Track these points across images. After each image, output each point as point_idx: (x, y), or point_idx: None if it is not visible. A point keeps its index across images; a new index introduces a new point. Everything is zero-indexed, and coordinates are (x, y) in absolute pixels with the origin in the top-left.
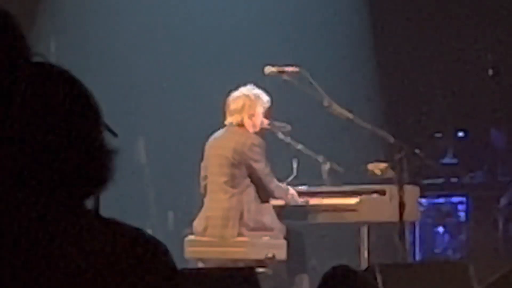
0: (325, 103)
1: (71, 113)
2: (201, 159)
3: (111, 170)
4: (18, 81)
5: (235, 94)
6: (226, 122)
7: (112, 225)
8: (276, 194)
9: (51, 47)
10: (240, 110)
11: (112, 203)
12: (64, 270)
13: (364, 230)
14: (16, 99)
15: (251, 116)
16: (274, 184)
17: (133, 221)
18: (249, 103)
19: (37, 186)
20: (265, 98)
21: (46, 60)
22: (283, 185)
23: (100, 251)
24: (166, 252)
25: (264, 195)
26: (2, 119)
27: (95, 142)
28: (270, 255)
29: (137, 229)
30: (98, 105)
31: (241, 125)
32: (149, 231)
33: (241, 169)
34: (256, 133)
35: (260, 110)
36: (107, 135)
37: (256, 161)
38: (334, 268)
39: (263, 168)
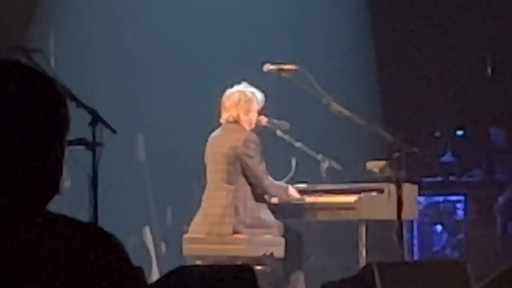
0: (324, 101)
1: (35, 120)
2: (202, 157)
3: (59, 181)
4: None
5: (230, 91)
6: (222, 119)
7: (64, 222)
8: (271, 191)
9: (50, 43)
10: (236, 105)
11: (111, 200)
12: (20, 267)
13: (362, 228)
14: None
15: (247, 112)
16: (268, 181)
17: (131, 218)
18: (245, 98)
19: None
20: (259, 95)
21: (23, 61)
22: (282, 183)
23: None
24: (120, 245)
25: (258, 192)
26: None
27: (52, 154)
28: (268, 253)
29: (90, 224)
30: (63, 113)
31: (237, 121)
32: (148, 228)
33: (237, 166)
34: (252, 130)
35: (255, 106)
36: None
37: (250, 157)
38: None
39: (257, 165)
